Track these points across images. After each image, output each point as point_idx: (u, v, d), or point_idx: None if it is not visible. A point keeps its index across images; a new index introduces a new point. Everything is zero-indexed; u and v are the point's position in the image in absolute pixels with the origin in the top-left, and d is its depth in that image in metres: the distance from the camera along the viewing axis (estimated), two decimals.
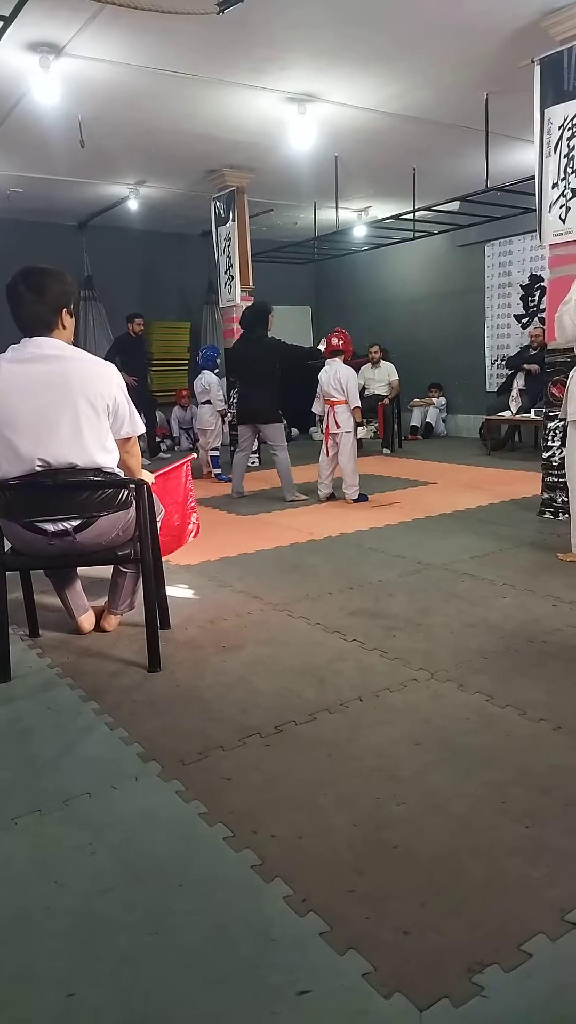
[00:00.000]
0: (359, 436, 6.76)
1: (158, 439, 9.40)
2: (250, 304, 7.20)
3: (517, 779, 1.92)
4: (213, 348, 7.94)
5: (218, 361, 7.46)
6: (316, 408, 6.18)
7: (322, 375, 6.02)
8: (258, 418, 6.15)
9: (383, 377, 9.35)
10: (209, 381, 7.47)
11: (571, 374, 3.86)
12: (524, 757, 2.03)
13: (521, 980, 1.30)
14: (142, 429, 2.97)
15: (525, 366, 8.20)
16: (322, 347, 6.28)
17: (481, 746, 2.10)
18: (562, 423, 4.86)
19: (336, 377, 5.91)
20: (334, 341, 6.05)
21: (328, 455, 5.99)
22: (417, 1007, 1.25)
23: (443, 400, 10.44)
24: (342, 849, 1.67)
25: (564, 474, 4.85)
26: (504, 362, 9.19)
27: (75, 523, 2.70)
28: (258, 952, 1.39)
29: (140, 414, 8.08)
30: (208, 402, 7.52)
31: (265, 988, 1.31)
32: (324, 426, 6.09)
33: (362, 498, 5.90)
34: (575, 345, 3.88)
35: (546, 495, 5.06)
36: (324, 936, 1.41)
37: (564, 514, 4.90)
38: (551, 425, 4.96)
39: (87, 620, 3.15)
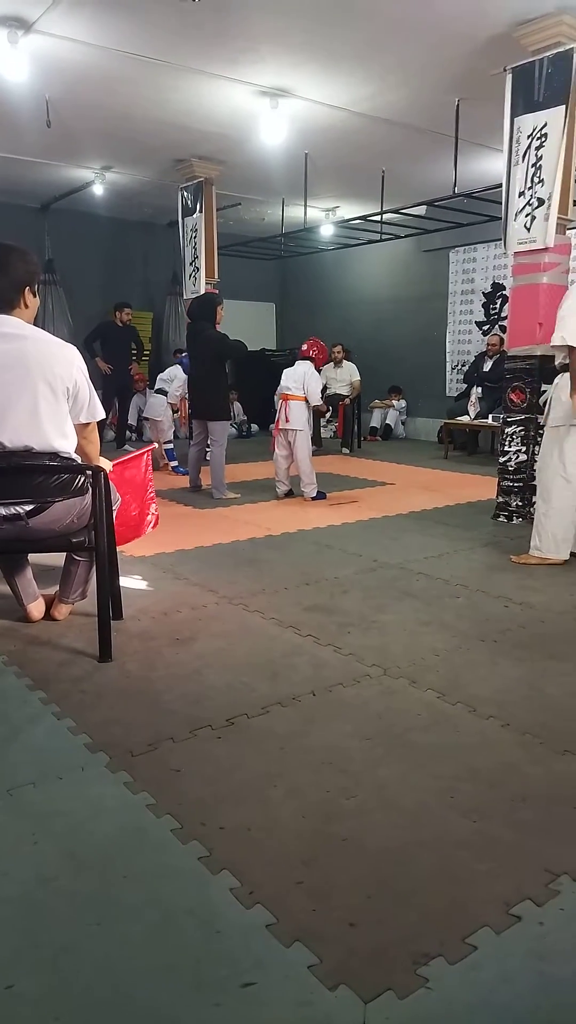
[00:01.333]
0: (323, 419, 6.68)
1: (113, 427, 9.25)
2: (199, 295, 7.13)
3: (466, 775, 1.94)
4: None
5: None
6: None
7: (287, 370, 6.01)
8: (203, 413, 6.10)
9: (345, 377, 9.39)
10: (173, 374, 7.39)
11: (555, 381, 3.92)
12: (473, 753, 2.05)
13: (466, 972, 1.31)
14: (102, 415, 2.92)
15: (488, 383, 8.34)
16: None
17: (431, 742, 2.11)
18: (520, 429, 4.95)
19: (301, 373, 5.89)
20: (303, 348, 6.05)
21: (279, 451, 5.95)
22: (362, 999, 1.25)
23: (403, 403, 10.54)
24: (290, 841, 1.66)
25: (519, 479, 4.96)
26: (462, 375, 9.32)
27: (28, 508, 2.64)
28: (203, 944, 1.37)
29: (114, 403, 7.94)
30: (161, 392, 7.42)
31: (209, 980, 1.29)
32: (275, 420, 6.03)
33: (320, 496, 5.90)
34: (557, 354, 3.94)
35: (501, 499, 5.13)
36: (270, 928, 1.40)
37: (518, 518, 4.99)
38: (508, 430, 5.04)
39: (36, 608, 3.08)
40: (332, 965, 1.32)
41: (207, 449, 6.16)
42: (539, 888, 1.51)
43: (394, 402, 10.47)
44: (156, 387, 7.53)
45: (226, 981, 1.29)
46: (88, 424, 2.87)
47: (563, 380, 3.88)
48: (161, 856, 1.62)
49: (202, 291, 7.67)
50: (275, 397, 6.16)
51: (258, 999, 1.25)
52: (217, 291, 7.43)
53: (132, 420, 10.03)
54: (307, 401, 5.92)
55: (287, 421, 5.87)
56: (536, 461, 4.45)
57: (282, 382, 6.00)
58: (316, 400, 5.99)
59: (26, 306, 2.70)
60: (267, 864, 1.58)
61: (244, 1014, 1.23)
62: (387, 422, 10.44)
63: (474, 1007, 1.25)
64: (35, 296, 2.75)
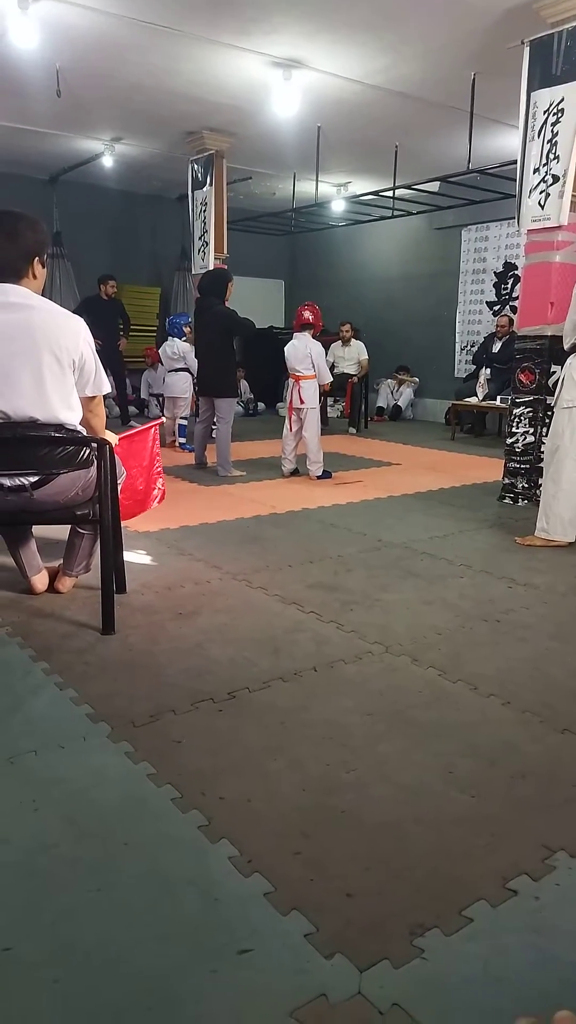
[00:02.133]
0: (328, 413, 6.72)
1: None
2: (210, 270, 7.05)
3: (465, 751, 1.94)
4: (183, 315, 7.79)
5: (186, 329, 7.33)
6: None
7: (289, 348, 5.94)
8: (210, 390, 6.06)
9: (353, 356, 9.31)
10: (183, 350, 7.35)
11: (568, 362, 3.86)
12: (473, 730, 2.06)
13: (461, 943, 1.32)
14: (108, 389, 2.90)
15: (497, 364, 8.29)
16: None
17: (432, 719, 2.12)
18: (529, 410, 4.92)
19: (306, 352, 5.85)
20: (306, 315, 5.97)
21: (291, 430, 5.95)
22: (357, 967, 1.26)
23: (416, 380, 10.43)
24: (290, 812, 1.67)
25: (526, 460, 4.93)
26: (471, 356, 9.25)
27: (33, 479, 2.64)
28: (201, 911, 1.38)
29: (108, 378, 7.86)
30: (182, 369, 7.40)
31: (206, 947, 1.30)
32: (288, 400, 6.03)
33: (326, 475, 5.89)
34: (566, 336, 3.90)
35: (507, 480, 5.11)
36: (268, 897, 1.41)
37: (524, 500, 4.97)
38: (516, 412, 5.00)
39: (40, 580, 3.09)
40: (329, 934, 1.33)
41: (213, 426, 6.14)
42: (536, 863, 1.52)
43: (409, 380, 10.31)
44: (172, 367, 7.47)
45: (223, 948, 1.30)
46: (94, 397, 2.86)
47: (574, 360, 3.83)
48: (161, 825, 1.63)
49: (211, 266, 7.61)
50: (285, 377, 6.09)
51: (254, 966, 1.27)
52: (226, 267, 7.37)
53: (144, 395, 9.98)
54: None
55: (301, 402, 5.84)
56: (544, 443, 4.42)
57: (289, 363, 5.93)
58: (326, 379, 5.96)
59: (34, 276, 2.68)
60: (266, 834, 1.59)
61: (240, 981, 1.24)
62: (398, 403, 10.34)
63: (469, 978, 1.26)
64: (43, 267, 2.73)
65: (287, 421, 5.99)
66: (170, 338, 7.49)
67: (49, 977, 1.24)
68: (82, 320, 2.75)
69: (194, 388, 7.41)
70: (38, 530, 3.12)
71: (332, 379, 6.04)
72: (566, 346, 3.93)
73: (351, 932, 1.34)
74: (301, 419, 5.87)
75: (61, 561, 3.13)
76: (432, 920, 1.36)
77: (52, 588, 3.11)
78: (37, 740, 1.97)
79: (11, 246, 2.59)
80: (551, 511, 3.94)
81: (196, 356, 6.47)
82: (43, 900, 1.41)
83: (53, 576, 3.13)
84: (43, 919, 1.36)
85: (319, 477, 5.85)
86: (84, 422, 2.85)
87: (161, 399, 9.81)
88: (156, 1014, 1.18)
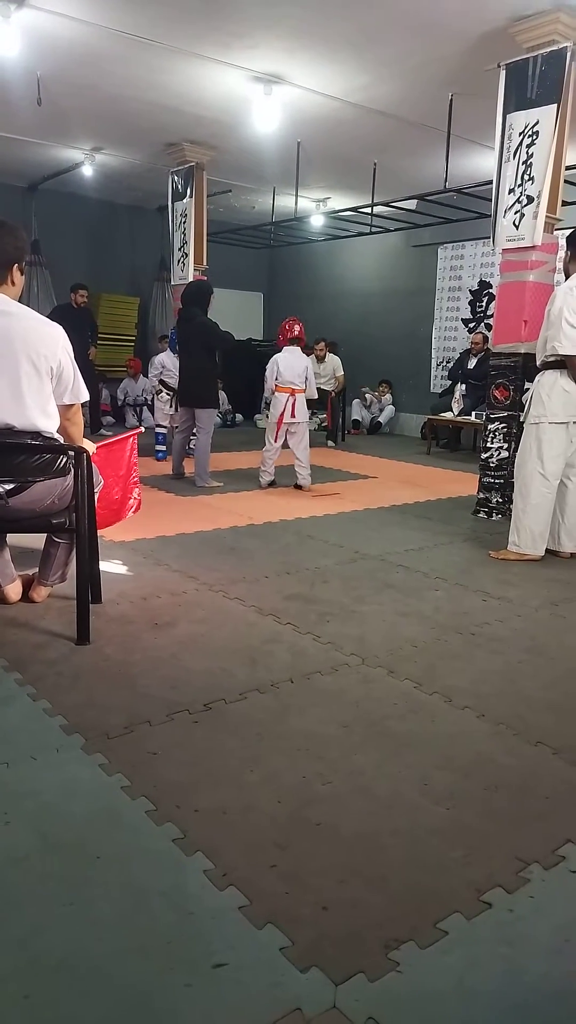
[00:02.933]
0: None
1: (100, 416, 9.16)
2: (193, 281, 7.07)
3: (440, 763, 1.95)
4: None
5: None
6: (268, 392, 6.12)
7: (283, 362, 5.90)
8: (191, 400, 6.06)
9: (328, 372, 9.32)
10: (163, 360, 7.36)
11: (536, 379, 3.94)
12: (448, 742, 2.07)
13: (436, 956, 1.32)
14: (86, 397, 2.88)
15: (472, 380, 8.39)
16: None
17: (407, 730, 2.12)
18: (503, 426, 4.98)
19: (304, 366, 5.90)
20: (297, 329, 5.98)
21: (276, 442, 5.91)
22: (333, 981, 1.25)
23: (383, 398, 10.50)
24: (265, 825, 1.66)
25: (500, 475, 4.98)
26: (447, 372, 9.35)
27: (8, 487, 2.61)
28: (175, 925, 1.37)
29: None
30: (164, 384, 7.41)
31: (181, 960, 1.29)
32: (279, 414, 5.94)
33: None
34: (538, 353, 3.98)
35: (482, 495, 5.16)
36: (243, 910, 1.40)
37: (498, 514, 5.02)
38: (491, 427, 5.06)
39: (14, 590, 3.05)
40: (304, 947, 1.32)
41: (192, 436, 6.12)
42: (510, 876, 1.53)
43: (387, 395, 10.34)
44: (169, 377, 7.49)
45: (197, 962, 1.29)
46: (72, 405, 2.84)
47: (543, 378, 3.90)
48: (135, 838, 1.61)
49: (190, 277, 7.61)
50: (267, 386, 6.02)
51: (229, 980, 1.26)
52: (206, 278, 7.38)
53: (120, 403, 9.93)
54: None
55: (293, 416, 5.85)
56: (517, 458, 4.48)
57: (283, 375, 5.87)
58: (313, 394, 6.01)
59: (13, 283, 2.67)
60: (241, 847, 1.58)
61: (214, 994, 1.23)
62: (379, 419, 10.34)
63: (444, 991, 1.26)
64: (22, 274, 2.72)
65: (272, 434, 5.92)
66: (168, 351, 7.47)
67: (19, 992, 1.22)
68: (61, 328, 2.73)
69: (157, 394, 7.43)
70: (13, 538, 3.09)
71: (315, 393, 6.11)
72: (538, 363, 4.00)
73: (326, 945, 1.33)
74: (293, 432, 5.87)
75: (36, 570, 3.10)
76: (407, 933, 1.36)
77: (27, 597, 3.07)
78: (9, 752, 1.94)
79: None
80: (521, 525, 3.99)
81: (180, 367, 6.44)
82: (13, 914, 1.39)
83: (28, 585, 3.09)
84: (12, 933, 1.34)
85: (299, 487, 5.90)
86: (62, 430, 2.83)
87: (137, 408, 9.81)
88: None
